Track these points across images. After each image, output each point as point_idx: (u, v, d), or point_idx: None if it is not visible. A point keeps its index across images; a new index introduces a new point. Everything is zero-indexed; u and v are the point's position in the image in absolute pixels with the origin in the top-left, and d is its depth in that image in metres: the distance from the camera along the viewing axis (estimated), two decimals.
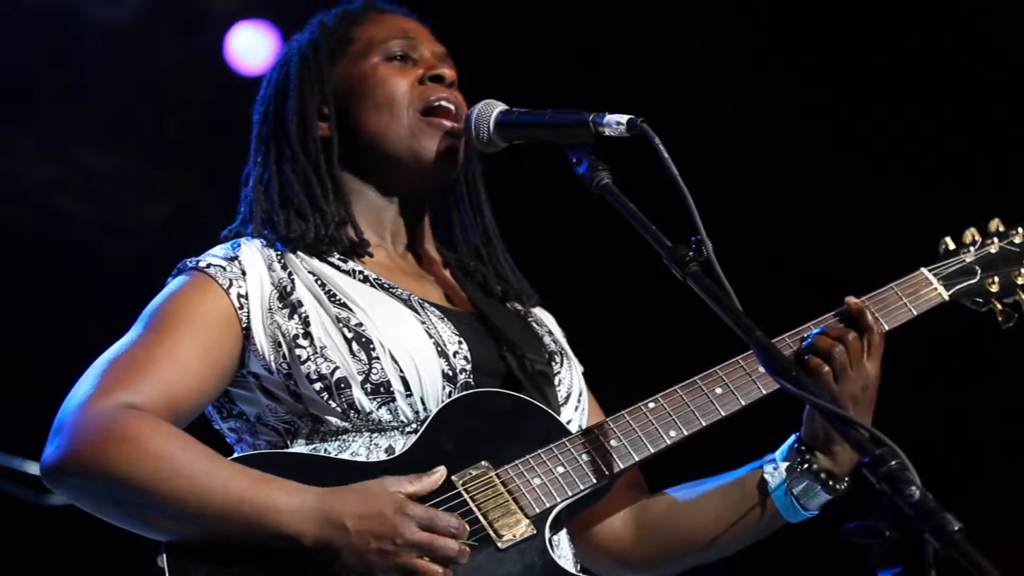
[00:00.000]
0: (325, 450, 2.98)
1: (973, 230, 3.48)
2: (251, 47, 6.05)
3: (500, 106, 3.16)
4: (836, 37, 6.08)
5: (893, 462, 2.44)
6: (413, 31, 3.33)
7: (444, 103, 3.24)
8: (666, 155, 2.87)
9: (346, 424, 2.97)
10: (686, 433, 3.09)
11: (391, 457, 2.96)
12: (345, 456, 2.96)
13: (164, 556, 2.82)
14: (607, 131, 2.98)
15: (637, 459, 3.06)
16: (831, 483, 3.12)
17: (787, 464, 3.15)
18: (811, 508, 3.14)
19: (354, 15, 3.38)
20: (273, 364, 3.01)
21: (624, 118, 2.97)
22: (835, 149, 6.17)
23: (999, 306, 3.43)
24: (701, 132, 5.68)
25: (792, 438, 3.16)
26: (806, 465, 3.12)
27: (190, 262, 3.11)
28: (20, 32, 5.95)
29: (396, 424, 2.99)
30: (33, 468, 5.77)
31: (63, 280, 6.15)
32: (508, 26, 5.90)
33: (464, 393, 3.04)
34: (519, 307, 3.36)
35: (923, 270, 3.38)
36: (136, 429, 2.82)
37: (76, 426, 2.84)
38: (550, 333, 3.36)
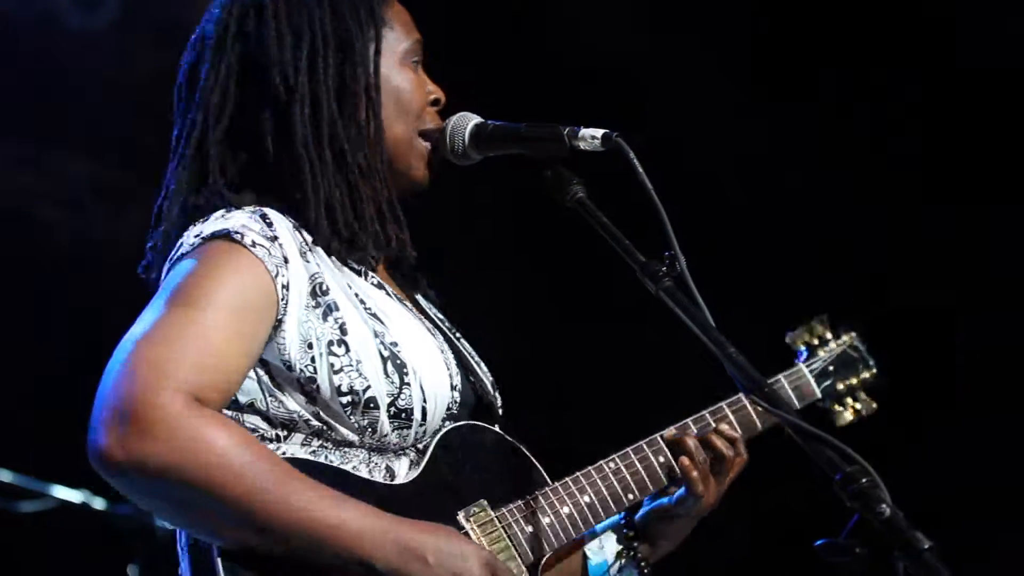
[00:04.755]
0: (327, 458, 2.89)
1: (819, 330, 3.69)
2: None
3: (475, 119, 3.13)
4: (809, 48, 6.09)
5: (864, 480, 2.45)
6: (419, 34, 3.19)
7: (436, 126, 3.14)
8: (641, 170, 2.87)
9: (355, 439, 2.90)
10: (639, 497, 3.18)
11: (404, 482, 2.92)
12: (348, 468, 2.90)
13: (219, 560, 2.73)
14: (582, 145, 2.97)
15: (604, 517, 3.12)
16: (646, 572, 3.23)
17: (616, 548, 3.25)
18: None
19: None
20: (297, 364, 2.85)
21: (599, 132, 2.96)
22: (815, 162, 6.18)
23: (838, 407, 3.65)
24: (675, 148, 5.69)
25: (618, 520, 3.26)
26: (631, 553, 3.24)
27: (229, 232, 2.84)
28: None
29: (397, 448, 2.95)
30: (3, 475, 5.75)
31: (37, 288, 6.13)
32: (483, 36, 5.90)
33: (457, 424, 3.02)
34: (444, 317, 3.30)
35: (802, 367, 3.59)
36: (213, 430, 2.67)
37: (145, 420, 2.64)
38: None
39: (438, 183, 3.21)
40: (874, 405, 3.68)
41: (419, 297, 3.24)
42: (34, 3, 5.96)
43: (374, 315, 2.95)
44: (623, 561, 3.22)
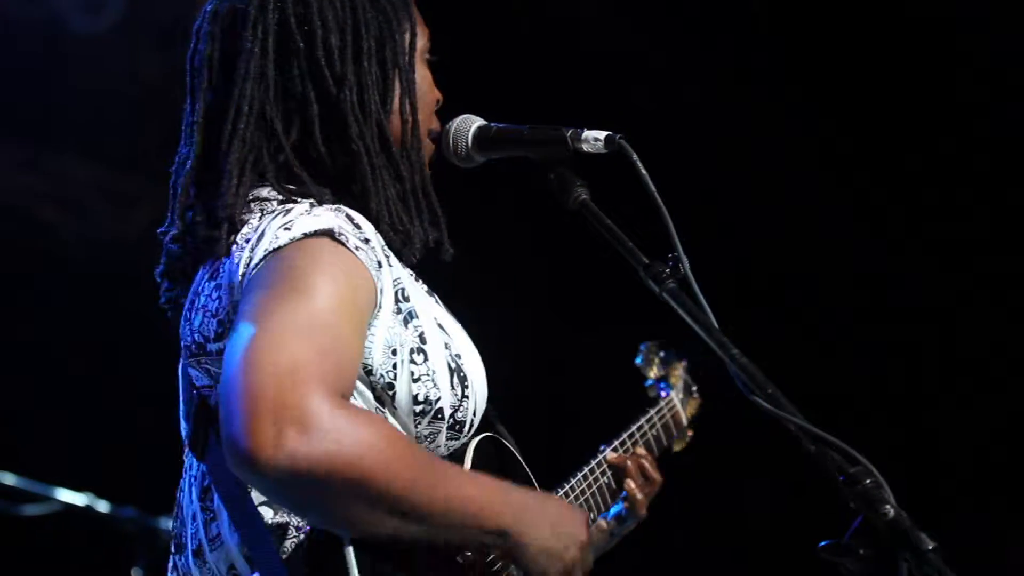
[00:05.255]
0: None
1: (647, 363, 3.86)
2: None
3: (478, 121, 3.12)
4: (815, 54, 6.11)
5: (867, 480, 2.46)
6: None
7: (435, 130, 3.11)
8: (644, 172, 2.87)
9: None
10: (595, 519, 3.29)
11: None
12: None
13: (350, 549, 2.64)
14: (585, 147, 2.96)
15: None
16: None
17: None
18: None
19: None
20: (379, 369, 2.78)
21: (602, 134, 2.95)
22: (817, 167, 6.20)
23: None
24: (678, 148, 5.69)
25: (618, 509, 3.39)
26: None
27: (337, 233, 2.71)
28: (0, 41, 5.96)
29: (438, 453, 2.91)
30: (7, 478, 5.76)
31: (40, 290, 6.14)
32: (484, 38, 5.90)
33: (484, 435, 2.98)
34: None
35: (673, 396, 3.76)
36: (370, 429, 2.56)
37: (303, 420, 2.48)
38: None
39: (442, 186, 3.21)
40: (689, 434, 3.81)
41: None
42: (39, 6, 5.97)
43: (440, 325, 2.90)
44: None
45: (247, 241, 2.76)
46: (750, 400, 2.68)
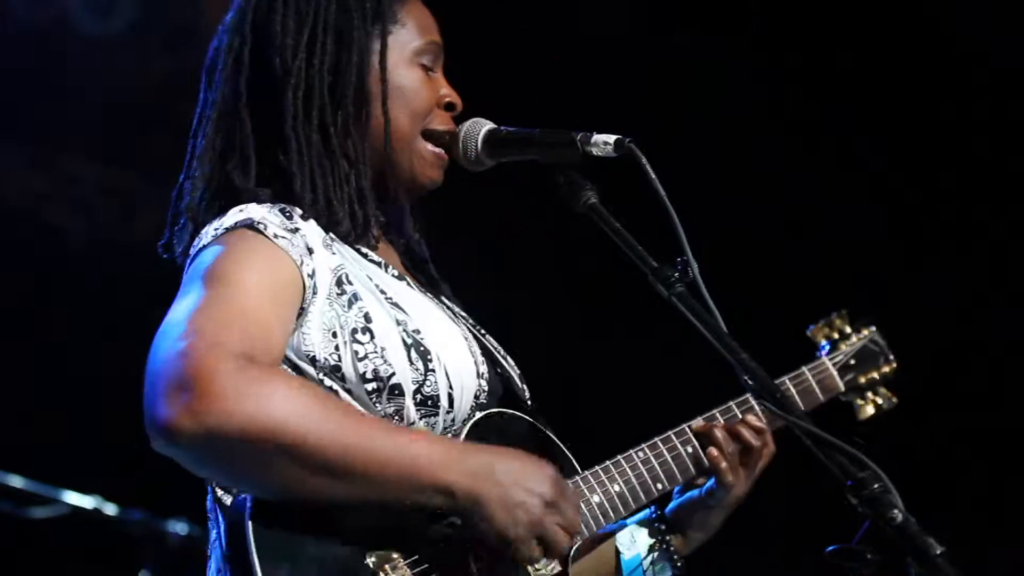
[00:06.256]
0: None
1: (839, 324, 3.68)
2: None
3: (488, 125, 3.14)
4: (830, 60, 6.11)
5: (876, 485, 2.46)
6: (440, 39, 3.20)
7: (447, 129, 3.15)
8: (653, 175, 2.87)
9: None
10: (668, 487, 3.17)
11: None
12: None
13: (249, 523, 2.67)
14: (595, 151, 2.97)
15: (634, 507, 3.10)
16: (679, 565, 3.21)
17: (649, 542, 3.21)
18: None
19: None
20: (321, 354, 2.86)
21: (612, 138, 2.96)
22: (830, 168, 6.19)
23: (860, 401, 3.63)
24: (691, 153, 5.69)
25: (649, 514, 3.22)
26: (664, 545, 3.20)
27: (250, 222, 2.87)
28: (9, 43, 5.96)
29: None
30: (15, 481, 5.76)
31: (49, 292, 6.14)
32: (495, 41, 5.91)
33: (489, 412, 3.01)
34: (462, 309, 3.31)
35: (825, 360, 3.57)
36: (279, 381, 2.65)
37: (211, 382, 2.59)
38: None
39: (450, 189, 3.22)
40: (894, 399, 3.65)
41: (443, 299, 3.25)
42: (47, 7, 5.98)
43: (396, 304, 2.96)
44: (656, 554, 3.18)
45: (194, 247, 2.93)
46: (759, 403, 2.69)
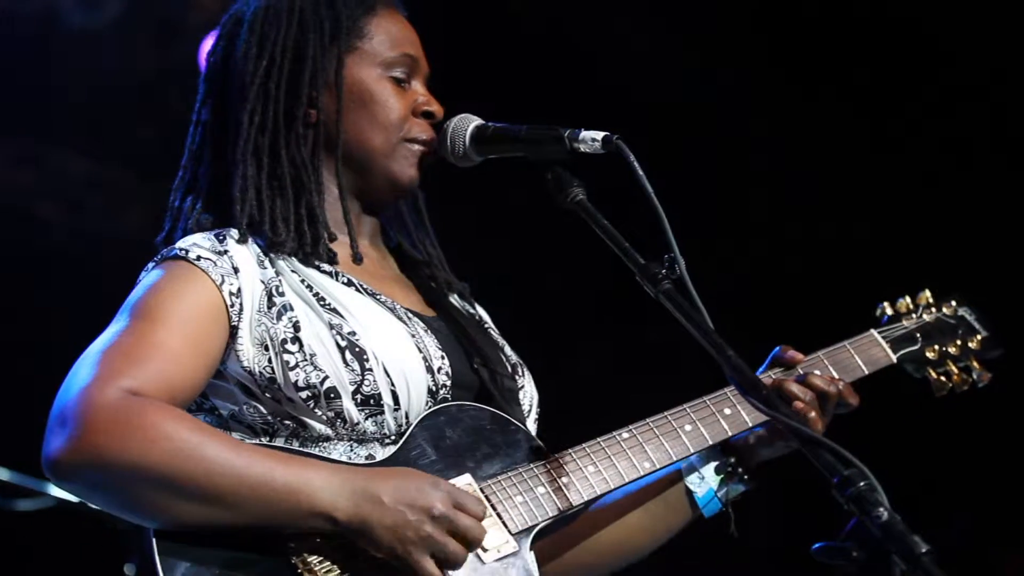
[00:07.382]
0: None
1: (908, 299, 3.62)
2: None
3: (476, 120, 3.16)
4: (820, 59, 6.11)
5: (861, 483, 2.46)
6: (416, 50, 3.25)
7: (427, 137, 3.20)
8: (641, 172, 2.88)
9: (329, 432, 2.95)
10: (658, 466, 3.14)
11: (373, 462, 2.94)
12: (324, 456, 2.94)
13: (153, 542, 2.75)
14: (582, 147, 2.99)
15: (612, 487, 3.09)
16: (750, 480, 3.26)
17: (718, 477, 3.25)
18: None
19: (365, 2, 3.23)
20: (256, 367, 2.94)
21: (599, 134, 2.97)
22: (817, 167, 6.19)
23: (934, 375, 3.56)
24: (676, 148, 5.69)
25: (713, 452, 3.25)
26: (733, 470, 3.26)
27: (177, 251, 2.99)
28: None
29: (379, 436, 2.97)
30: (2, 474, 5.75)
31: (36, 286, 6.13)
32: (485, 37, 5.91)
33: (446, 404, 3.03)
34: (468, 307, 3.35)
35: (873, 332, 3.51)
36: (152, 414, 2.73)
37: (86, 416, 2.72)
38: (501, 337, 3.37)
39: (438, 187, 3.23)
40: (987, 374, 3.59)
41: (454, 298, 3.30)
42: (35, 1, 5.97)
43: (332, 309, 3.01)
44: (728, 484, 3.25)
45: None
46: (746, 400, 2.69)
